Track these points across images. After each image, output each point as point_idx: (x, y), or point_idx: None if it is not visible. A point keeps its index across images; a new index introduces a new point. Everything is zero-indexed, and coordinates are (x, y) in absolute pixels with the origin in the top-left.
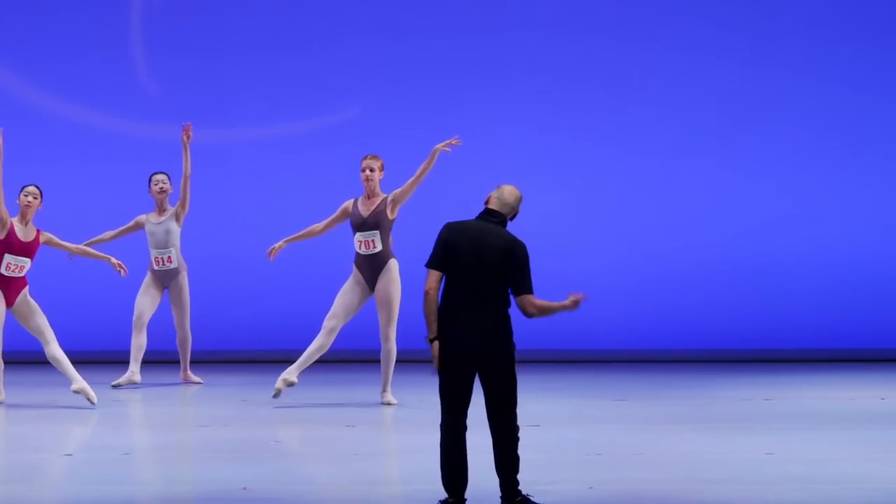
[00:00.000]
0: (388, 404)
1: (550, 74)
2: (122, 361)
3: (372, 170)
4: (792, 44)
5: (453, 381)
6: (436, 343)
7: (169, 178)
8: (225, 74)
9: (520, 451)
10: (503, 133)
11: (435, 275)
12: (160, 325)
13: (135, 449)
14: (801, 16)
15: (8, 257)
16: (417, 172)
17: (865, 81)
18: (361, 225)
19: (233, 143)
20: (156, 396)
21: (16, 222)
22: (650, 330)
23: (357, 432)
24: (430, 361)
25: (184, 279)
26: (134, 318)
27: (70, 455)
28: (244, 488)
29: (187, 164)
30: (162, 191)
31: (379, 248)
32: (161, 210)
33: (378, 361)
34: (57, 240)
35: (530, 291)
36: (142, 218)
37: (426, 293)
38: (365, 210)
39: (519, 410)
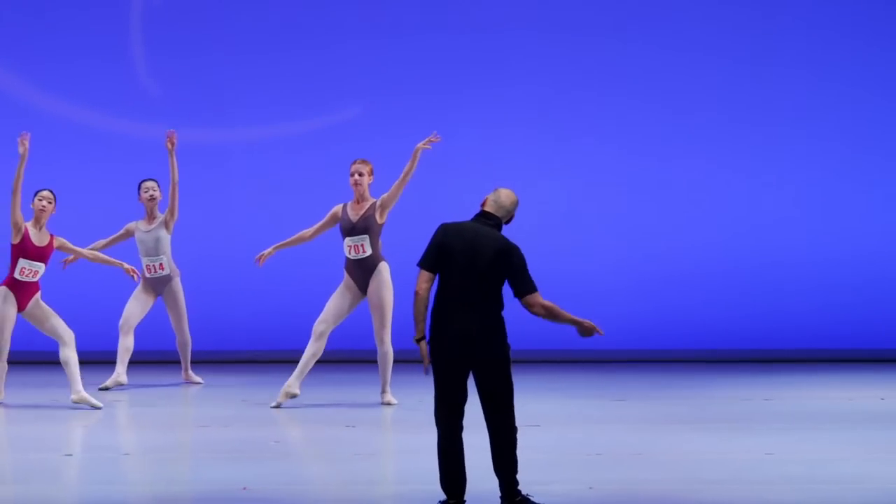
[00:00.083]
0: (389, 404)
1: (550, 74)
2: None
3: (361, 174)
4: (792, 44)
5: (446, 383)
6: (423, 343)
7: (158, 185)
8: (225, 74)
9: (519, 452)
10: (503, 133)
11: (425, 275)
12: (160, 326)
13: (135, 449)
14: (801, 16)
15: (22, 262)
16: (402, 174)
17: (865, 81)
18: (351, 230)
19: (233, 143)
20: (156, 396)
21: (30, 227)
22: (650, 330)
23: (357, 432)
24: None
25: (177, 285)
26: (121, 321)
27: (70, 455)
28: (244, 488)
29: (174, 171)
30: (152, 198)
31: (368, 252)
32: (151, 218)
33: (376, 363)
34: (70, 245)
35: (534, 290)
36: (132, 225)
37: (416, 293)
38: (354, 215)
39: (519, 411)
